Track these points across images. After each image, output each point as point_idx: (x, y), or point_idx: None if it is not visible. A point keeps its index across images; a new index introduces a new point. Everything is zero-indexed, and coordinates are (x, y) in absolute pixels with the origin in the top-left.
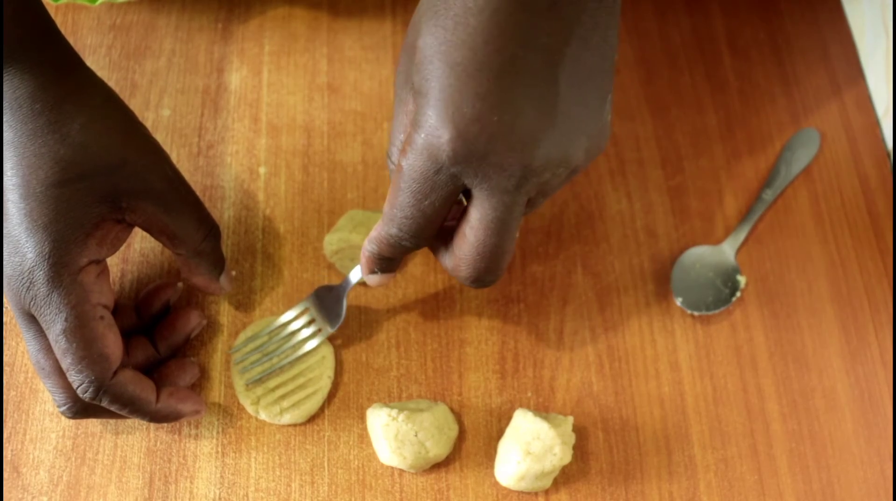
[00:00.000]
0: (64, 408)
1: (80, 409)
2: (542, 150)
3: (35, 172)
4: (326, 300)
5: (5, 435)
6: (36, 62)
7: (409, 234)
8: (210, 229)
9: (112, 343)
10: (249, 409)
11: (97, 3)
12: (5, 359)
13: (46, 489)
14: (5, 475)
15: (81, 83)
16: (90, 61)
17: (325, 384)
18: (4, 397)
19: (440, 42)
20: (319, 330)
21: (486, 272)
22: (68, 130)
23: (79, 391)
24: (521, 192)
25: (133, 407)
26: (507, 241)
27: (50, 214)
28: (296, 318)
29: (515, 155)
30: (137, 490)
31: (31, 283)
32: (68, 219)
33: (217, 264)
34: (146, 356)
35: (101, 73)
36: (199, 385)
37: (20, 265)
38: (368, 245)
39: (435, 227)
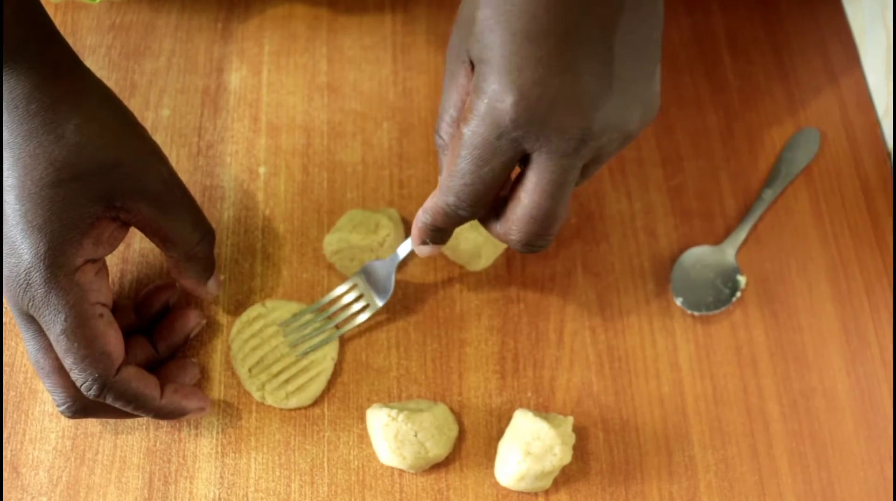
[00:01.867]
0: (63, 407)
1: (80, 408)
2: (601, 113)
3: (30, 173)
4: (374, 276)
5: (5, 435)
6: (33, 62)
7: (468, 202)
8: (205, 233)
9: (113, 340)
10: (255, 395)
11: (96, 1)
12: (5, 359)
13: (46, 489)
14: (5, 475)
15: (78, 83)
16: (90, 61)
17: (328, 365)
18: (4, 397)
19: (500, 12)
20: (367, 305)
21: (538, 237)
22: (63, 131)
23: (83, 389)
24: (579, 155)
25: (137, 404)
26: (562, 205)
27: (45, 214)
28: (346, 293)
29: (576, 118)
30: (137, 490)
31: (28, 284)
32: (63, 219)
33: (207, 268)
34: (146, 355)
35: (101, 73)
36: (200, 386)
37: (17, 267)
38: (423, 215)
39: (492, 195)
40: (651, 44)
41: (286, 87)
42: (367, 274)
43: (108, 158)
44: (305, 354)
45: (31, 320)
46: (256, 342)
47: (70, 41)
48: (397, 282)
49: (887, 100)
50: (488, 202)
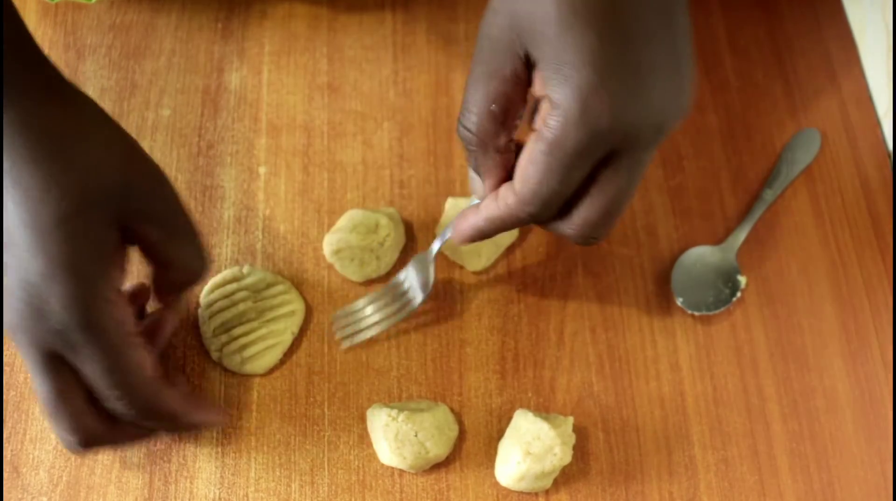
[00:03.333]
0: (75, 440)
1: (91, 440)
2: (674, 106)
3: (44, 207)
4: (416, 272)
5: (5, 435)
6: (26, 86)
7: (553, 209)
8: (208, 262)
9: (151, 365)
10: (213, 355)
11: (92, 0)
12: (5, 359)
13: (46, 489)
14: (5, 475)
15: (72, 106)
16: (90, 61)
17: (286, 338)
18: (4, 397)
19: (572, 11)
20: (409, 301)
21: (601, 230)
22: (71, 156)
23: (125, 416)
24: (655, 149)
25: (170, 423)
26: (629, 199)
27: (69, 251)
28: (393, 288)
29: (659, 115)
30: (137, 490)
31: (62, 328)
32: (91, 253)
33: (186, 291)
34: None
35: (101, 73)
36: (199, 386)
37: (41, 310)
38: (483, 224)
39: (567, 199)
40: (686, 20)
41: (286, 86)
42: (412, 269)
43: (118, 180)
44: (351, 345)
45: (54, 359)
46: (225, 304)
47: (70, 41)
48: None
49: (887, 100)
50: (564, 202)
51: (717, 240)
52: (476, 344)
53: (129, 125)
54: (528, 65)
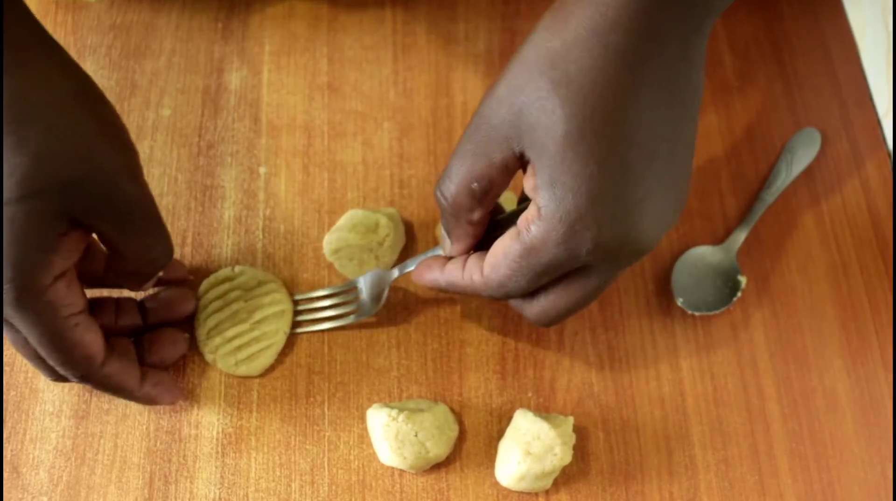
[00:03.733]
0: (52, 378)
1: (57, 379)
2: (661, 229)
3: None
4: (372, 284)
5: (5, 435)
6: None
7: (507, 298)
8: (159, 253)
9: (92, 343)
10: (207, 357)
11: None
12: (5, 359)
13: (46, 489)
14: (5, 475)
15: (48, 70)
16: (90, 61)
17: (280, 339)
18: (4, 397)
19: (578, 127)
20: (357, 310)
21: (556, 322)
22: (27, 135)
23: (70, 378)
24: (632, 263)
25: (116, 393)
26: (595, 299)
27: (8, 236)
28: (342, 292)
29: (643, 244)
30: (137, 490)
31: (2, 300)
32: (28, 241)
33: (147, 281)
34: (132, 324)
35: (102, 72)
36: (199, 386)
37: None
38: (444, 284)
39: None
40: (693, 134)
41: (286, 86)
42: (370, 282)
43: (72, 172)
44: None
45: (9, 324)
46: (218, 305)
47: (70, 41)
48: (398, 281)
49: (888, 100)
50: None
51: (717, 240)
52: (476, 344)
53: (130, 125)
54: (522, 160)
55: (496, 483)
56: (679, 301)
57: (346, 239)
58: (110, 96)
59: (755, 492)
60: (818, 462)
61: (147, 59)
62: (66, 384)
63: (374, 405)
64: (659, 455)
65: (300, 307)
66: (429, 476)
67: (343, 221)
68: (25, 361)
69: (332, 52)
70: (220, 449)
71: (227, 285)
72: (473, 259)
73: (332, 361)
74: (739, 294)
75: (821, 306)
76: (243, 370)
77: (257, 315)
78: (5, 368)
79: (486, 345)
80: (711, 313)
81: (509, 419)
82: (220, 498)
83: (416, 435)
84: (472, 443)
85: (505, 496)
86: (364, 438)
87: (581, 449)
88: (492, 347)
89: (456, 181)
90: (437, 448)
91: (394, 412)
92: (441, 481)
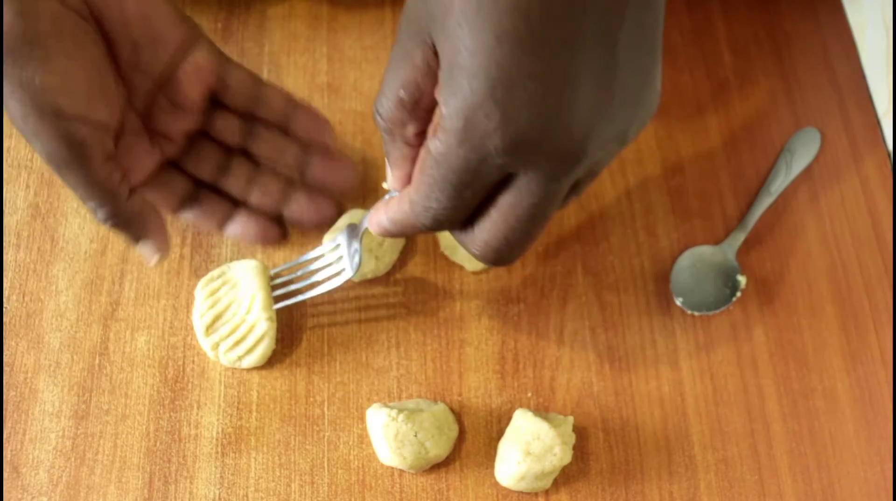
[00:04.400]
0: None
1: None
2: (600, 128)
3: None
4: (349, 238)
5: (5, 435)
6: None
7: (439, 223)
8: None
9: (118, 180)
10: (210, 354)
11: None
12: (5, 359)
13: (46, 489)
14: (5, 475)
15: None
16: None
17: (269, 325)
18: (4, 397)
19: (480, 4)
20: (342, 271)
21: (506, 256)
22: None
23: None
24: (569, 177)
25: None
26: (539, 228)
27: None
28: (323, 255)
29: (572, 140)
30: (137, 490)
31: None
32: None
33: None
34: (186, 190)
35: None
36: (199, 386)
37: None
38: (388, 224)
39: (467, 215)
40: (655, 41)
41: (286, 86)
42: (345, 238)
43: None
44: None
45: None
46: (213, 301)
47: None
48: (398, 281)
49: (887, 100)
50: (461, 221)
51: (717, 240)
52: (476, 344)
53: None
54: (437, 54)
55: (496, 483)
56: (679, 301)
57: None
58: None
59: (755, 492)
60: (818, 462)
61: None
62: (66, 385)
63: (374, 405)
64: (659, 455)
65: (277, 281)
66: (428, 476)
67: (343, 221)
68: (25, 361)
69: (332, 52)
70: (219, 449)
71: (220, 281)
72: (408, 189)
73: (332, 361)
74: (739, 294)
75: (820, 306)
76: (248, 362)
77: (245, 305)
78: (5, 368)
79: (485, 345)
80: (711, 313)
81: (509, 418)
82: (219, 498)
83: (415, 435)
84: (472, 443)
85: (505, 496)
86: (364, 438)
87: (581, 449)
88: (491, 347)
89: (387, 94)
90: (437, 448)
91: (393, 412)
92: (441, 481)
